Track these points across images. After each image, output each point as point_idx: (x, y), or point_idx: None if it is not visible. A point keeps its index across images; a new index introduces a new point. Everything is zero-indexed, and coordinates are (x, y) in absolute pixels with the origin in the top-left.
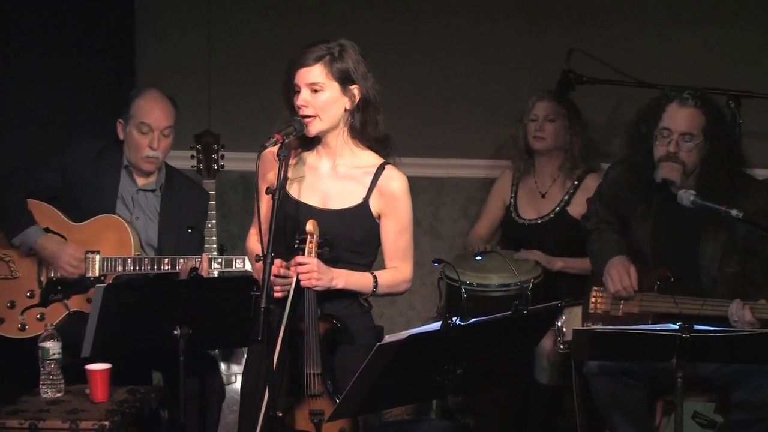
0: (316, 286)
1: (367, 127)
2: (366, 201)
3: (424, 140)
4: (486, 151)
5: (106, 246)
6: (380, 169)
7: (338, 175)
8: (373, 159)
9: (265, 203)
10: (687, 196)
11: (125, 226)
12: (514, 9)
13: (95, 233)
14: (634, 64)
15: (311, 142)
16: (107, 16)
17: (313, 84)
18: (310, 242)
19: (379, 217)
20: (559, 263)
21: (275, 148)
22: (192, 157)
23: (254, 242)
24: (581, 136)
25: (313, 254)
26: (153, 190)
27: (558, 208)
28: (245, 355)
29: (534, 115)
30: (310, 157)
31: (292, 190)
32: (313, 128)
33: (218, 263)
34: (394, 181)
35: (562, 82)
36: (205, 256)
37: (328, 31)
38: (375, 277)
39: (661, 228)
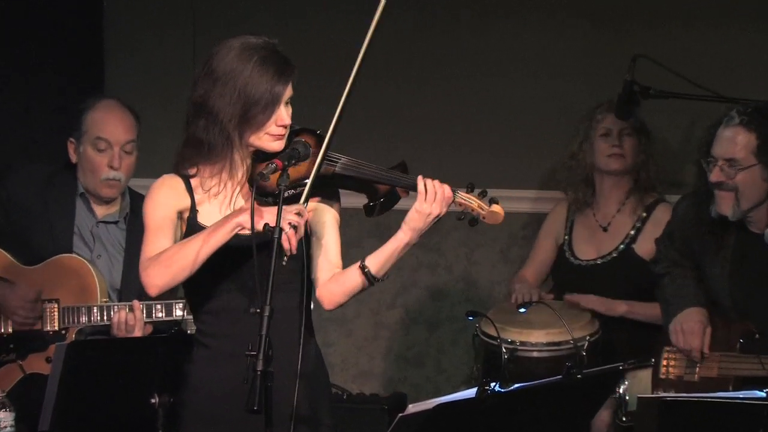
0: None
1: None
2: None
3: (457, 167)
4: (532, 181)
5: (67, 293)
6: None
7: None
8: None
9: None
10: None
11: (88, 267)
12: (568, 14)
13: (52, 278)
14: (713, 75)
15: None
16: (70, 24)
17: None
18: None
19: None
20: (622, 307)
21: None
22: None
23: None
24: (655, 155)
25: None
26: (116, 222)
27: (623, 246)
28: None
29: (606, 129)
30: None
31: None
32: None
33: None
34: None
35: (624, 96)
36: (136, 303)
37: (340, 49)
38: None
39: (741, 274)
